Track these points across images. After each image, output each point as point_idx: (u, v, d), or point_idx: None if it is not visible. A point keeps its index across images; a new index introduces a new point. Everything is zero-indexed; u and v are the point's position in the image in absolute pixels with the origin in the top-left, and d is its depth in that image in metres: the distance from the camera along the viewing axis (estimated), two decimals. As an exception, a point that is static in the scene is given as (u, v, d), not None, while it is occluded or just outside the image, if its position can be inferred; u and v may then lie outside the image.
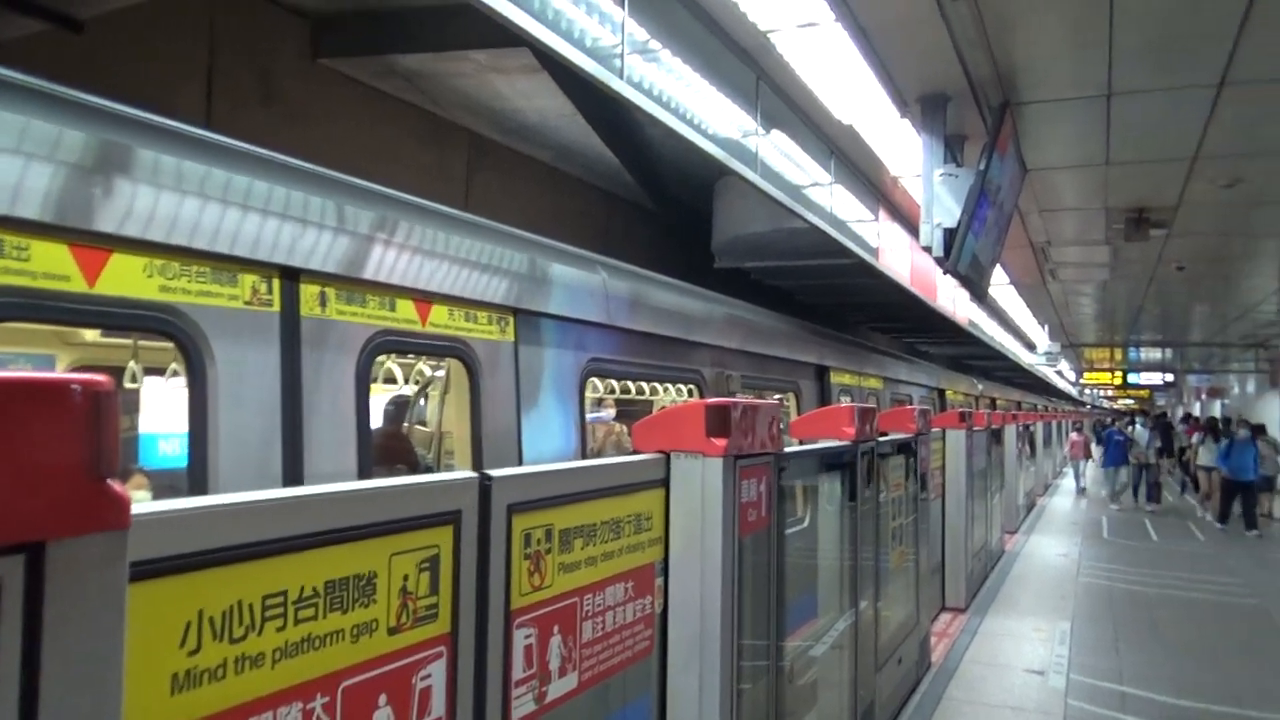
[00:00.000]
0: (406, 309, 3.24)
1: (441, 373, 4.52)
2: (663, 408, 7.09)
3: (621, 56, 3.67)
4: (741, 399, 2.78)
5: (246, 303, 2.69)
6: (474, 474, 1.85)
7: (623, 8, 3.68)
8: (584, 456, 4.19)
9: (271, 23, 5.51)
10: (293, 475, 2.73)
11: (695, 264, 8.35)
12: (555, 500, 2.11)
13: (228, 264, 2.65)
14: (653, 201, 8.97)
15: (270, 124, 5.49)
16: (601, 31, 3.60)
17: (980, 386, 19.24)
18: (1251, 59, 5.34)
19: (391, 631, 1.60)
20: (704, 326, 5.55)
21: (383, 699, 1.58)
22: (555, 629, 2.09)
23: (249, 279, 2.71)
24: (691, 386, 5.61)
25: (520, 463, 3.71)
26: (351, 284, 3.02)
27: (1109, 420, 44.09)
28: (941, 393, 14.38)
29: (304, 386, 2.80)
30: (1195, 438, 18.11)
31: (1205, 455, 16.91)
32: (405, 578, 1.63)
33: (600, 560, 2.28)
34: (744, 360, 6.11)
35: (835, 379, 8.18)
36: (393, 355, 3.50)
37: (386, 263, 3.12)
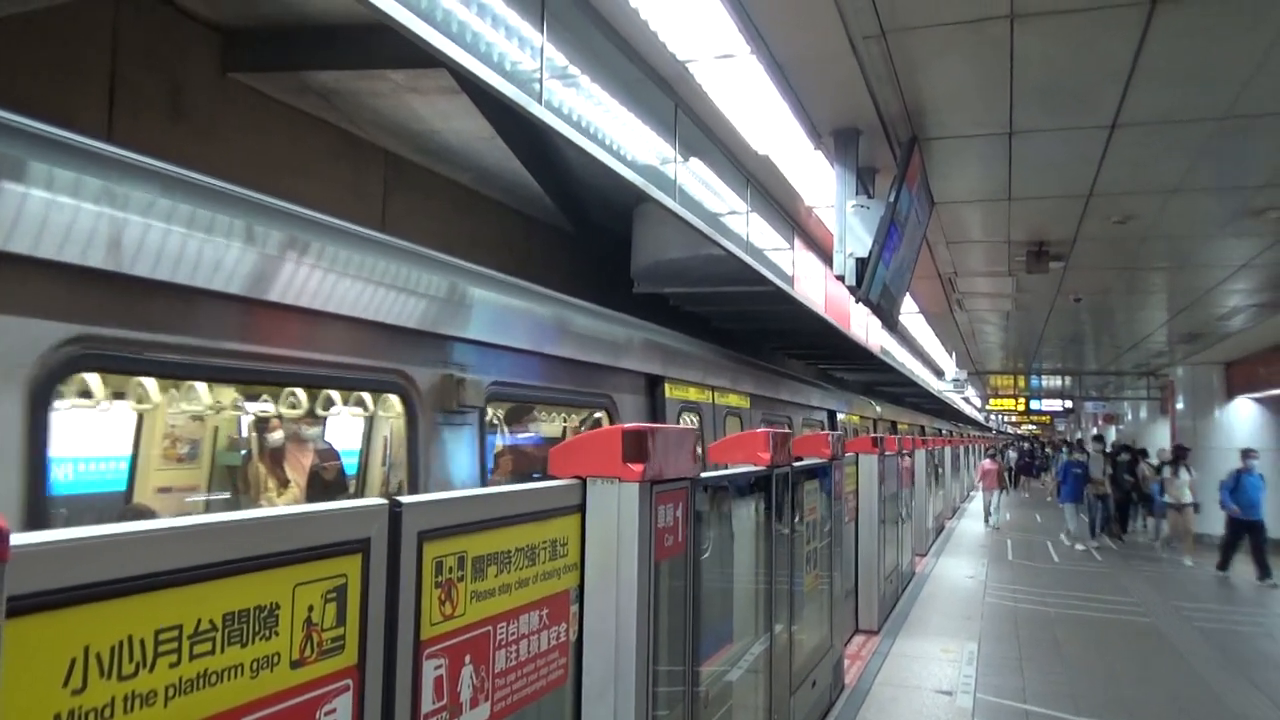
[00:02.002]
0: None
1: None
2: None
3: (540, 81, 3.68)
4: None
5: None
6: (384, 500, 1.80)
7: (541, 33, 3.69)
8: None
9: (180, 35, 5.35)
10: None
11: (616, 289, 8.37)
12: (468, 527, 2.07)
13: None
14: (573, 226, 8.98)
15: (177, 139, 5.32)
16: (521, 55, 3.60)
17: (879, 409, 17.30)
18: (1140, 103, 5.65)
19: (295, 665, 1.54)
20: (414, 304, 3.55)
21: (284, 736, 1.52)
22: (467, 659, 2.05)
23: None
24: (390, 395, 3.66)
25: None
26: None
27: (1033, 445, 42.55)
28: (832, 414, 12.56)
29: None
30: (1164, 469, 15.80)
31: (1176, 489, 14.79)
32: (310, 608, 1.58)
33: (514, 588, 2.25)
34: (503, 360, 4.24)
35: (674, 393, 6.42)
36: None
37: None
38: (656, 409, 6.15)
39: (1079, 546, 15.55)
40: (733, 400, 7.86)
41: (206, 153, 5.40)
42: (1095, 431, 28.67)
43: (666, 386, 6.29)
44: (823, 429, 11.60)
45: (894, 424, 18.81)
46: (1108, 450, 19.15)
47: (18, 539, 0.96)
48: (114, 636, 1.24)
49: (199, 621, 1.37)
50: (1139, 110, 5.77)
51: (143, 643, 1.28)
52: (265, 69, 5.65)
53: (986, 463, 20.40)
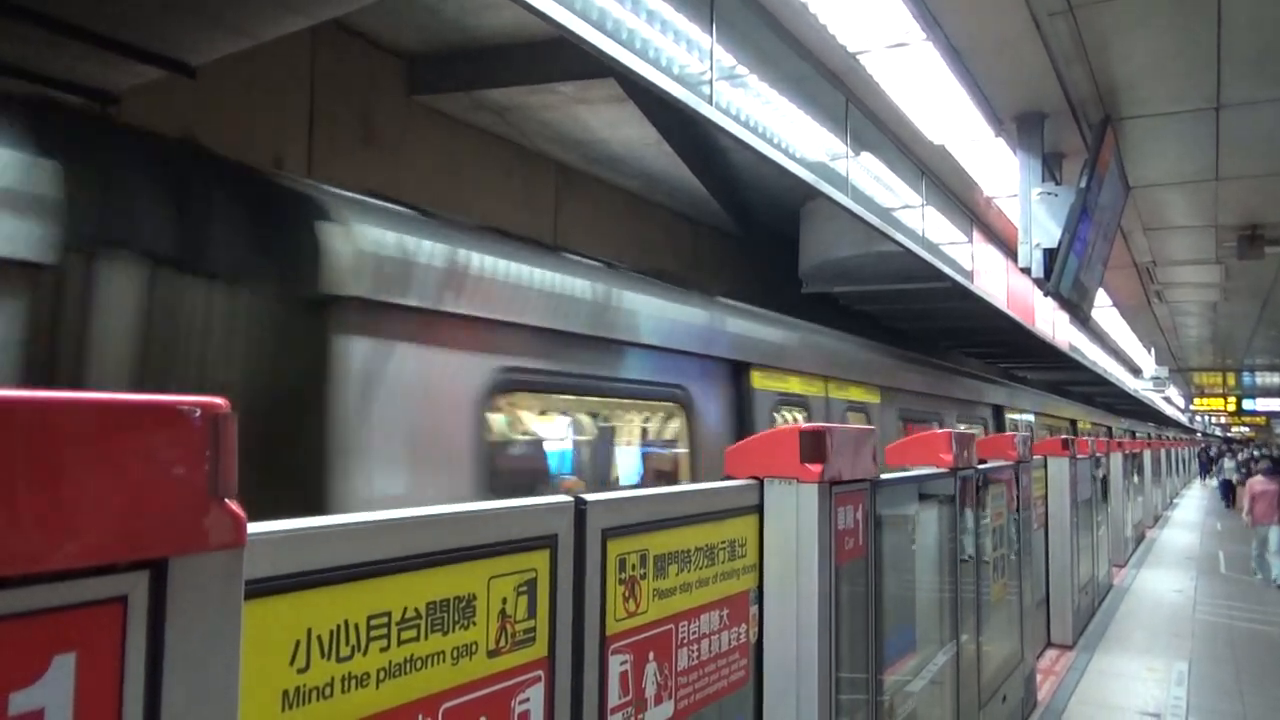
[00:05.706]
0: None
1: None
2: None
3: (710, 83, 3.68)
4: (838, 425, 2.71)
5: None
6: (569, 498, 1.85)
7: (710, 35, 3.70)
8: None
9: (370, 61, 5.72)
10: None
11: (783, 290, 8.27)
12: (649, 525, 2.09)
13: None
14: (738, 228, 8.95)
15: (368, 162, 5.68)
16: (689, 59, 3.62)
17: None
18: (1376, 64, 5.06)
19: (491, 654, 1.60)
20: None
21: (482, 722, 1.58)
22: (650, 656, 2.07)
23: None
24: None
25: None
26: None
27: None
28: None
29: None
30: None
31: None
32: (504, 600, 1.63)
33: (695, 587, 2.25)
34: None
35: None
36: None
37: None
38: None
39: None
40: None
41: (394, 174, 5.74)
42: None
43: None
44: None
45: (998, 408, 11.40)
46: None
47: (253, 528, 1.04)
48: (332, 620, 1.33)
49: (405, 609, 1.44)
50: (1374, 73, 5.17)
51: (356, 627, 1.36)
52: (446, 90, 5.94)
53: (1258, 481, 12.32)
